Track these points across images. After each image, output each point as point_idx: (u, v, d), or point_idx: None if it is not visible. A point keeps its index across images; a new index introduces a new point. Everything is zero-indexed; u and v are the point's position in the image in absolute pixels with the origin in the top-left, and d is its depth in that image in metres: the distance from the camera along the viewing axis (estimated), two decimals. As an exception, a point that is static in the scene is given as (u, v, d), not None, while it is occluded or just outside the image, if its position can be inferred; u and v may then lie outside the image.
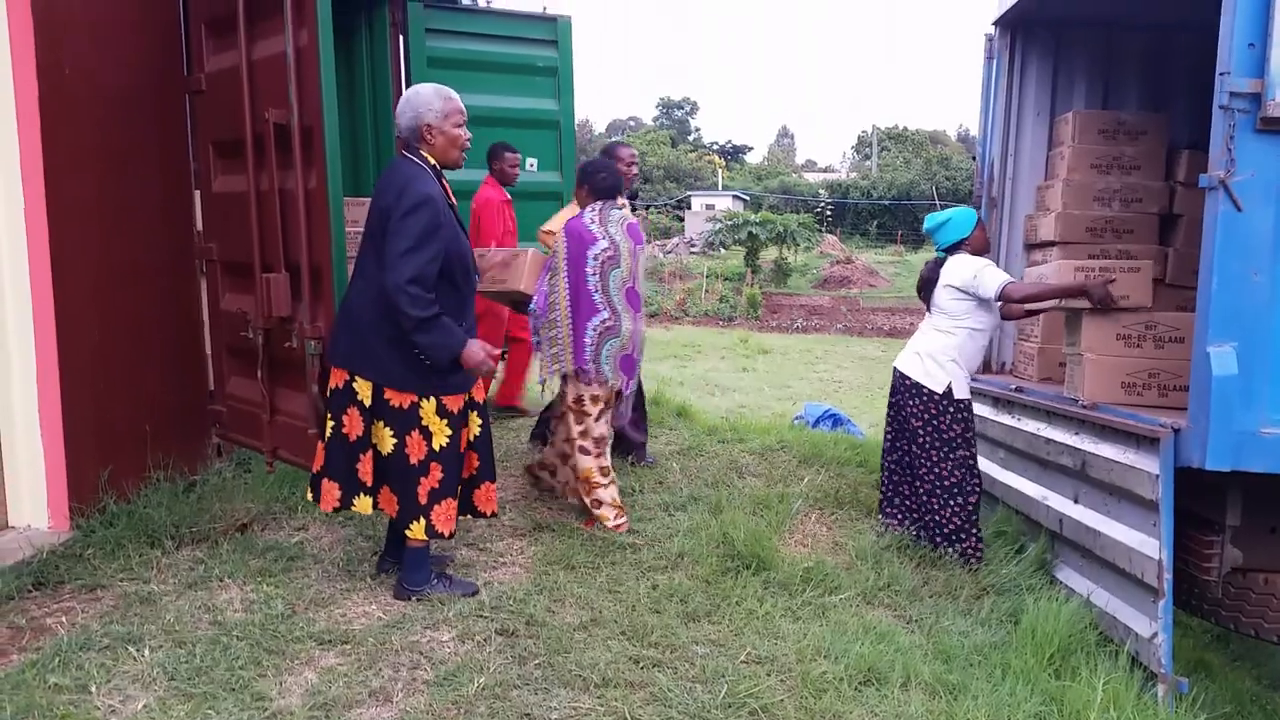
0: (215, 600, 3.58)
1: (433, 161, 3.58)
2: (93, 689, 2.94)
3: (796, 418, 8.72)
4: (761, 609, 3.85)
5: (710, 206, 40.73)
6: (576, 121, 7.07)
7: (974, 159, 6.34)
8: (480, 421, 3.79)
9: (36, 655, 3.13)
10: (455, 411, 3.60)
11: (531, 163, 6.52)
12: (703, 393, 11.93)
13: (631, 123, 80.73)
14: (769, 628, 3.71)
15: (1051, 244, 5.67)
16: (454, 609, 3.61)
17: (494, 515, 3.97)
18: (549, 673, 3.21)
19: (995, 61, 6.00)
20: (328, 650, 3.28)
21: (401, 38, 6.21)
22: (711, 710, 3.05)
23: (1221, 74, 3.66)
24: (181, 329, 4.79)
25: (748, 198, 44.02)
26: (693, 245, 35.44)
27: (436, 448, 3.57)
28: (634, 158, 5.60)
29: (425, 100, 3.55)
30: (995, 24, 5.96)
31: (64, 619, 3.42)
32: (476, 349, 3.52)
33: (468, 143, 3.67)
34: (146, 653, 3.17)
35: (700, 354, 17.16)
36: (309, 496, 3.73)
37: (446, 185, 3.61)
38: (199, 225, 4.84)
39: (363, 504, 3.62)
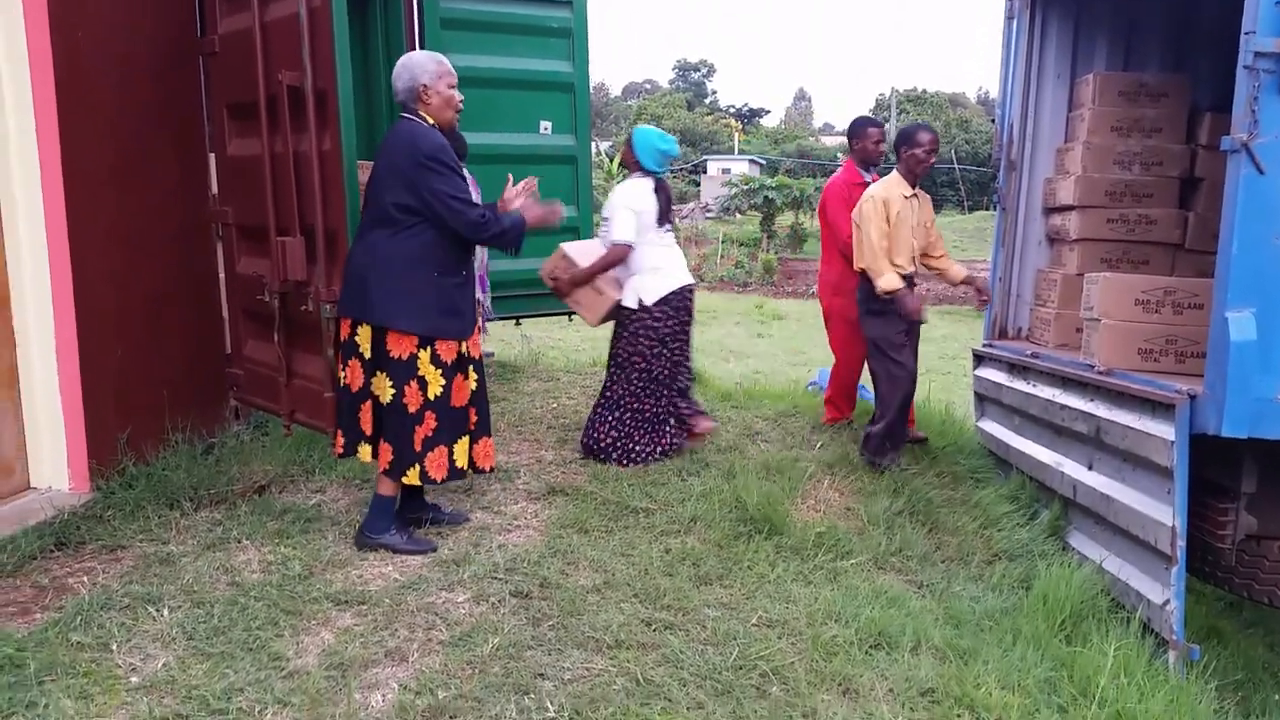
0: (233, 561, 3.63)
1: (431, 121, 3.74)
2: (113, 647, 3.00)
3: (810, 383, 8.70)
4: (773, 573, 3.88)
5: (726, 171, 40.43)
6: (593, 84, 7.01)
7: (993, 121, 6.26)
8: (477, 377, 3.94)
9: (59, 614, 3.19)
10: (448, 361, 3.75)
11: (545, 125, 6.47)
12: (717, 359, 11.92)
13: (648, 85, 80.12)
14: (780, 591, 3.73)
15: (1070, 208, 5.61)
16: (469, 570, 3.65)
17: (492, 470, 4.12)
18: (562, 634, 3.24)
19: (1015, 22, 5.90)
20: (344, 611, 3.33)
21: (415, -1, 6.15)
22: (722, 672, 3.08)
23: (1246, 33, 3.59)
24: (198, 292, 4.81)
25: (764, 162, 43.66)
26: (708, 210, 35.22)
27: (431, 396, 3.72)
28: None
29: (420, 63, 3.76)
30: (1016, -16, 5.85)
31: (85, 579, 3.47)
32: (526, 200, 3.95)
33: (460, 103, 3.85)
34: (166, 612, 3.22)
35: (715, 320, 17.12)
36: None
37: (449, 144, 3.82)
38: (214, 189, 4.84)
39: (364, 452, 3.83)
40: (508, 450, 5.08)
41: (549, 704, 2.84)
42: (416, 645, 3.13)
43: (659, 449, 4.97)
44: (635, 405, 4.91)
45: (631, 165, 4.93)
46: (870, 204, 4.99)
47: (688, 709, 2.89)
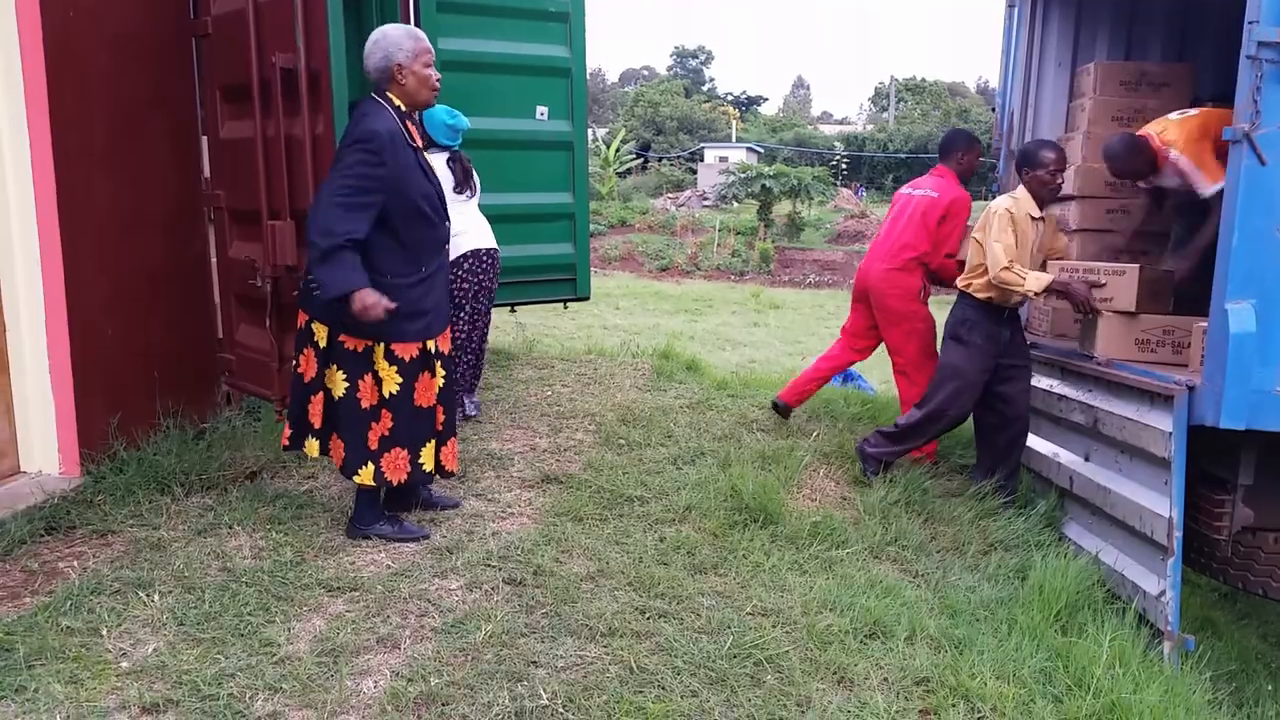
0: (225, 547, 3.61)
1: (398, 103, 3.54)
2: (104, 632, 2.97)
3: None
4: (768, 562, 3.86)
5: (724, 159, 40.33)
6: (590, 70, 6.96)
7: (993, 111, 6.23)
8: (444, 373, 3.77)
9: (49, 598, 3.16)
10: (406, 360, 3.59)
11: (542, 111, 6.43)
12: (713, 347, 11.92)
13: (645, 72, 79.88)
14: (775, 580, 3.72)
15: (1071, 197, 5.59)
16: (462, 558, 3.63)
17: (455, 474, 3.99)
18: (556, 622, 3.23)
19: (1017, 10, 5.87)
20: (336, 597, 3.30)
21: (411, -20, 6.10)
22: (717, 660, 3.07)
23: (1250, 23, 3.57)
24: (189, 277, 4.78)
25: (762, 150, 43.58)
26: (705, 198, 35.17)
27: (386, 394, 3.58)
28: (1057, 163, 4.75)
29: (395, 40, 3.51)
30: (1018, -29, 5.82)
31: (75, 563, 3.45)
32: (371, 297, 3.33)
33: (438, 83, 3.63)
34: (156, 598, 3.19)
35: (711, 309, 17.12)
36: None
37: (411, 126, 3.59)
38: (206, 172, 4.79)
39: (310, 446, 3.71)
40: (501, 438, 5.06)
41: (542, 691, 2.83)
42: (409, 632, 3.11)
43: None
44: None
45: (426, 144, 4.85)
46: (1000, 218, 4.58)
47: (681, 697, 2.87)
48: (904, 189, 5.59)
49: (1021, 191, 4.69)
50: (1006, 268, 4.51)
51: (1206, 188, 4.49)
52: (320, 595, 3.30)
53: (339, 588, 3.36)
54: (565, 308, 7.28)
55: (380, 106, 3.49)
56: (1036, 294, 4.55)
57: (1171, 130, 4.65)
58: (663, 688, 2.91)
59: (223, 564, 3.48)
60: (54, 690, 2.66)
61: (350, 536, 3.78)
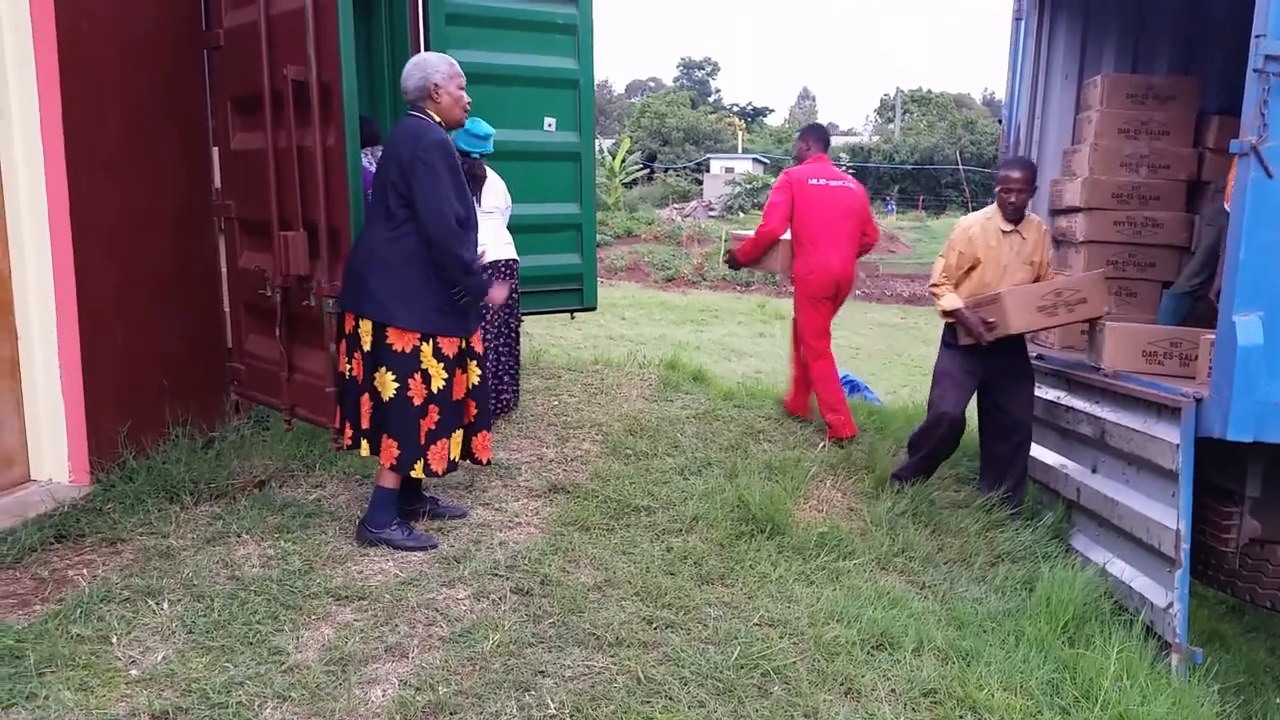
0: (233, 555, 3.62)
1: (438, 119, 3.77)
2: (113, 640, 2.99)
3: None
4: (775, 573, 3.86)
5: (730, 170, 40.40)
6: (596, 81, 6.99)
7: (999, 122, 6.25)
8: (479, 371, 3.94)
9: (59, 606, 3.17)
10: (450, 355, 3.77)
11: (549, 122, 6.46)
12: (719, 358, 11.93)
13: (652, 83, 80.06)
14: (782, 591, 3.72)
15: (1077, 209, 5.60)
16: (470, 567, 3.64)
17: (489, 463, 4.14)
18: (563, 631, 3.23)
19: (1023, 22, 5.88)
20: (344, 606, 3.31)
21: (421, -6, 6.14)
22: (724, 671, 3.07)
23: (1257, 36, 3.59)
24: (200, 286, 4.80)
25: (768, 161, 43.62)
26: (711, 209, 35.20)
27: (434, 390, 3.74)
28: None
29: (433, 64, 3.80)
30: (1024, -16, 5.83)
31: (85, 571, 3.46)
32: (498, 289, 4.02)
33: (469, 104, 3.89)
34: (166, 606, 3.21)
35: (717, 319, 17.13)
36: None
37: (452, 142, 3.84)
38: (217, 182, 4.83)
39: (364, 448, 3.82)
40: (509, 447, 5.07)
41: (549, 701, 2.83)
42: (417, 641, 3.12)
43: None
44: None
45: None
46: (952, 236, 4.90)
47: (689, 708, 2.88)
48: (812, 180, 5.66)
49: (994, 207, 4.86)
50: (934, 285, 4.89)
51: None
52: (328, 604, 3.31)
53: (347, 596, 3.37)
54: (572, 318, 7.29)
55: (427, 121, 3.74)
56: (944, 315, 4.87)
57: None
58: (670, 698, 2.91)
59: (231, 572, 3.49)
60: (64, 697, 2.67)
61: (360, 540, 3.80)
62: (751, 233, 5.87)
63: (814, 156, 5.81)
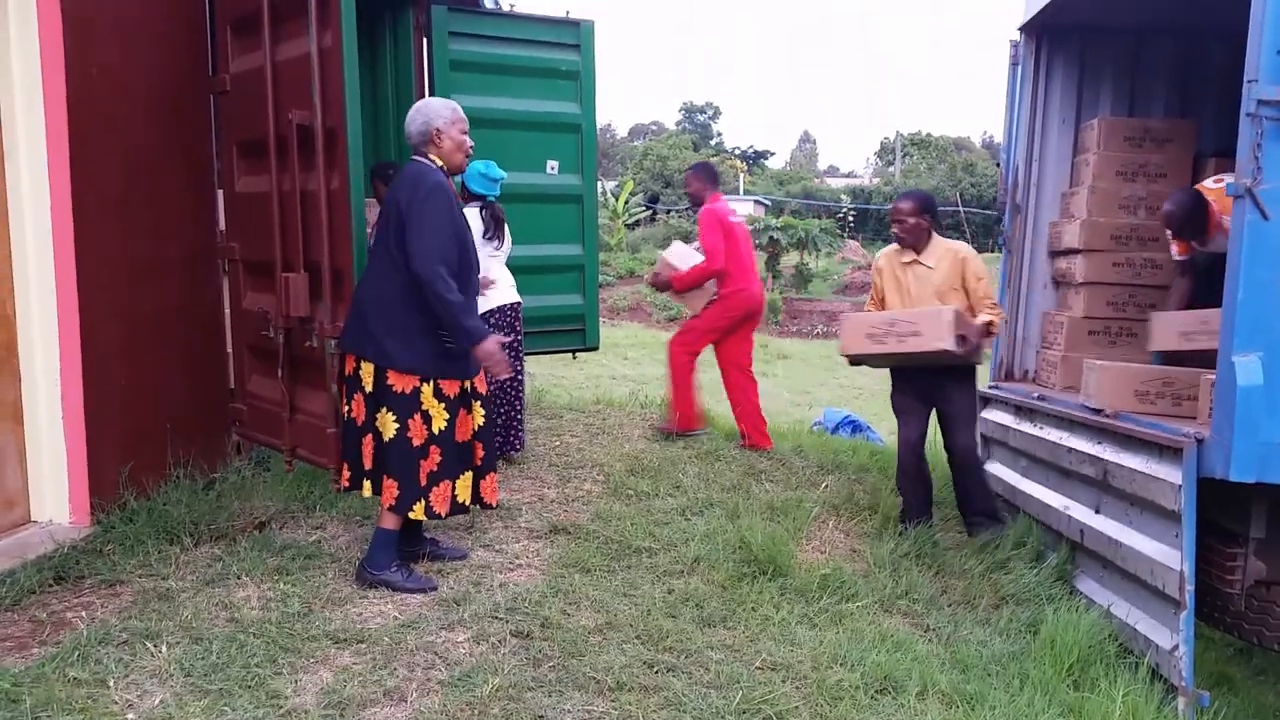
0: (233, 597, 3.60)
1: (440, 164, 3.81)
2: (110, 683, 2.96)
3: (815, 423, 8.70)
4: (777, 615, 3.84)
5: (732, 211, 40.62)
6: (600, 125, 7.07)
7: (998, 165, 6.30)
8: (484, 413, 3.94)
9: (56, 649, 3.15)
10: (452, 396, 3.77)
11: (552, 165, 6.53)
12: (721, 397, 11.88)
13: (654, 127, 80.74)
14: (785, 634, 3.69)
15: (1076, 251, 5.63)
16: (469, 610, 3.62)
17: (495, 506, 4.14)
18: (563, 675, 3.20)
19: (1020, 67, 5.96)
20: (343, 649, 3.29)
21: (425, 41, 6.23)
22: (725, 716, 3.04)
23: (1249, 81, 3.62)
24: (203, 327, 4.83)
25: (769, 203, 43.87)
26: (713, 250, 35.28)
27: (435, 431, 3.74)
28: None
29: (435, 109, 3.85)
30: (1021, 29, 5.92)
31: (84, 613, 3.44)
32: (494, 344, 3.75)
33: (471, 148, 3.92)
34: (164, 649, 3.18)
35: (720, 359, 17.10)
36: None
37: (452, 186, 3.88)
38: (221, 225, 4.87)
39: (365, 487, 3.82)
40: (510, 488, 5.06)
41: (549, 747, 2.80)
42: (415, 685, 3.10)
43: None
44: None
45: (464, 195, 5.16)
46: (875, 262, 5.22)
47: (690, 753, 2.84)
48: (730, 217, 6.19)
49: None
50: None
51: None
52: (327, 647, 3.29)
53: (346, 639, 3.34)
54: (574, 358, 7.34)
55: (429, 165, 3.80)
56: None
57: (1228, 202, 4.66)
58: (671, 743, 2.88)
59: (230, 615, 3.47)
60: (60, 742, 2.65)
61: (359, 581, 3.78)
62: (678, 264, 6.11)
63: (713, 195, 6.22)
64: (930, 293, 4.91)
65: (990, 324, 4.81)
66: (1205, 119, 5.76)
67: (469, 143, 3.89)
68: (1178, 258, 5.09)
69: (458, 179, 5.09)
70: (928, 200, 5.07)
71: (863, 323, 4.90)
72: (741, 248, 6.13)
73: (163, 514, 4.21)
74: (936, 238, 5.02)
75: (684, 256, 6.15)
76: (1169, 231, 5.03)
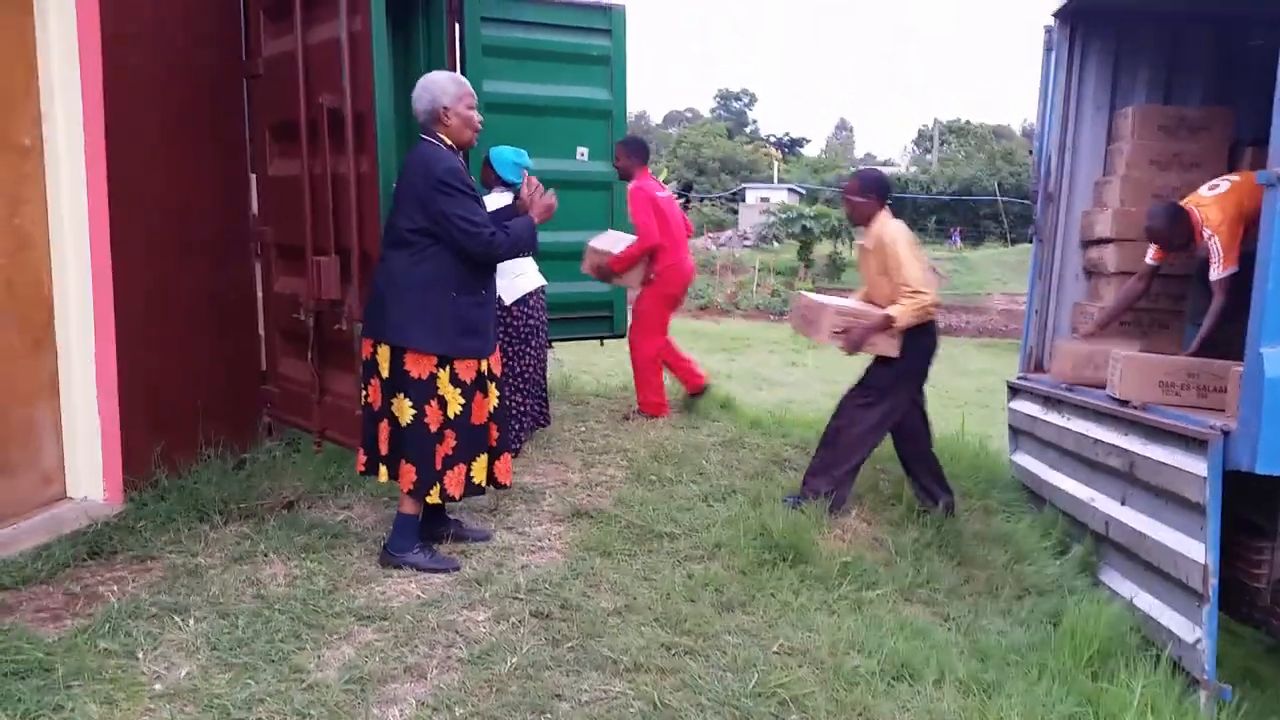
0: (260, 574, 3.68)
1: (449, 142, 3.78)
2: (140, 655, 3.04)
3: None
4: (797, 601, 3.85)
5: (765, 199, 40.45)
6: (634, 112, 7.09)
7: (1030, 153, 6.24)
8: (499, 394, 3.96)
9: (89, 621, 3.24)
10: (468, 381, 3.78)
11: (582, 152, 6.55)
12: (749, 387, 11.90)
13: (689, 114, 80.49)
14: (803, 620, 3.70)
15: (1108, 240, 5.57)
16: (490, 590, 3.66)
17: (509, 486, 4.18)
18: (581, 655, 3.24)
19: (1054, 54, 5.89)
20: (366, 626, 3.35)
21: (458, 25, 6.26)
22: (741, 699, 3.06)
23: (1284, 68, 3.57)
24: (236, 310, 4.91)
25: (804, 191, 43.66)
26: (746, 238, 35.26)
27: (451, 415, 3.76)
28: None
29: (441, 85, 3.77)
30: (1055, 15, 5.85)
31: (115, 588, 3.53)
32: (541, 205, 3.97)
33: (479, 124, 3.86)
34: (192, 623, 3.26)
35: (749, 348, 17.10)
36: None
37: (464, 164, 3.87)
38: (254, 208, 4.94)
39: (381, 472, 3.85)
40: (534, 472, 5.10)
41: (565, 725, 2.84)
42: (436, 662, 3.15)
43: (519, 440, 5.23)
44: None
45: (493, 181, 5.12)
46: None
47: (704, 735, 2.87)
48: (659, 192, 6.12)
49: None
50: None
51: (1217, 272, 4.52)
52: (350, 624, 3.35)
53: (369, 616, 3.40)
54: (602, 345, 7.34)
55: (439, 146, 3.75)
56: None
57: (1213, 212, 4.62)
58: (685, 724, 2.91)
59: (257, 591, 3.54)
60: (89, 710, 2.73)
61: (383, 563, 3.84)
62: (610, 249, 6.02)
63: (642, 171, 6.10)
64: (873, 274, 4.91)
65: (889, 317, 4.62)
66: (1243, 105, 5.66)
67: (477, 118, 3.83)
68: (1150, 262, 5.08)
69: (514, 160, 5.15)
70: (874, 180, 4.94)
71: (800, 305, 5.06)
72: (672, 223, 6.13)
73: (193, 492, 4.30)
74: (882, 219, 4.81)
75: (614, 241, 6.09)
76: (1154, 246, 5.04)
